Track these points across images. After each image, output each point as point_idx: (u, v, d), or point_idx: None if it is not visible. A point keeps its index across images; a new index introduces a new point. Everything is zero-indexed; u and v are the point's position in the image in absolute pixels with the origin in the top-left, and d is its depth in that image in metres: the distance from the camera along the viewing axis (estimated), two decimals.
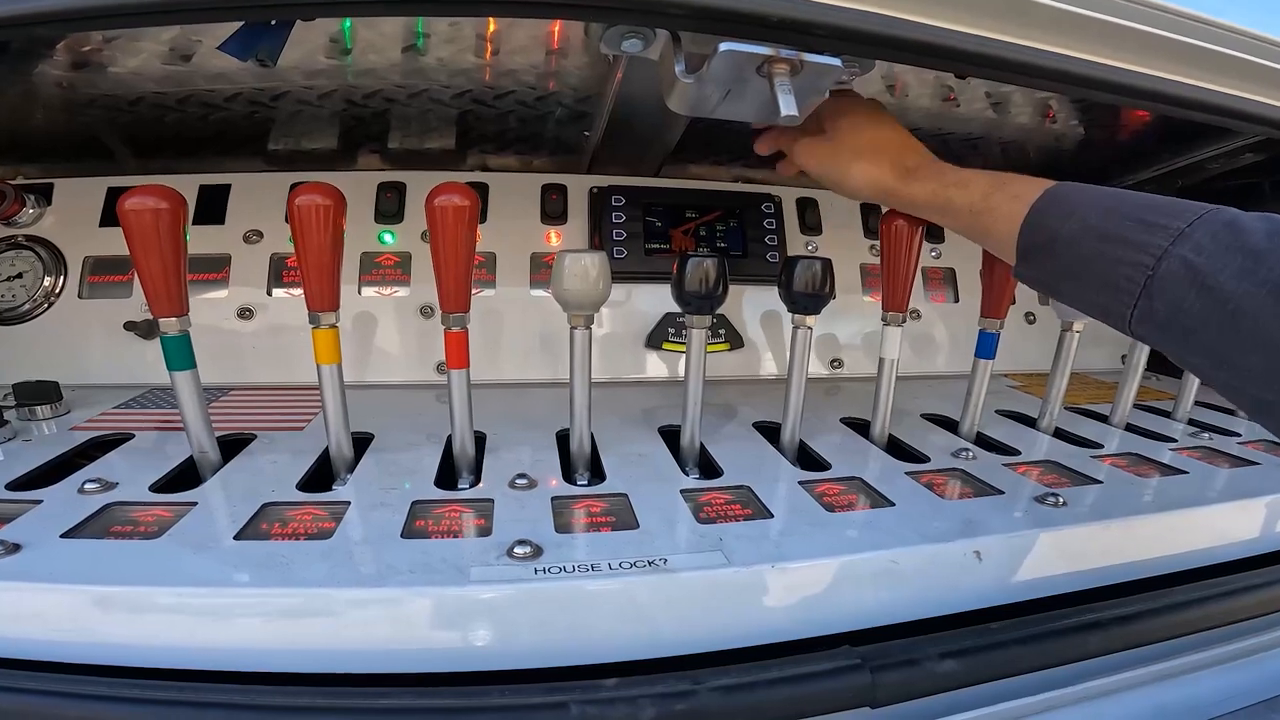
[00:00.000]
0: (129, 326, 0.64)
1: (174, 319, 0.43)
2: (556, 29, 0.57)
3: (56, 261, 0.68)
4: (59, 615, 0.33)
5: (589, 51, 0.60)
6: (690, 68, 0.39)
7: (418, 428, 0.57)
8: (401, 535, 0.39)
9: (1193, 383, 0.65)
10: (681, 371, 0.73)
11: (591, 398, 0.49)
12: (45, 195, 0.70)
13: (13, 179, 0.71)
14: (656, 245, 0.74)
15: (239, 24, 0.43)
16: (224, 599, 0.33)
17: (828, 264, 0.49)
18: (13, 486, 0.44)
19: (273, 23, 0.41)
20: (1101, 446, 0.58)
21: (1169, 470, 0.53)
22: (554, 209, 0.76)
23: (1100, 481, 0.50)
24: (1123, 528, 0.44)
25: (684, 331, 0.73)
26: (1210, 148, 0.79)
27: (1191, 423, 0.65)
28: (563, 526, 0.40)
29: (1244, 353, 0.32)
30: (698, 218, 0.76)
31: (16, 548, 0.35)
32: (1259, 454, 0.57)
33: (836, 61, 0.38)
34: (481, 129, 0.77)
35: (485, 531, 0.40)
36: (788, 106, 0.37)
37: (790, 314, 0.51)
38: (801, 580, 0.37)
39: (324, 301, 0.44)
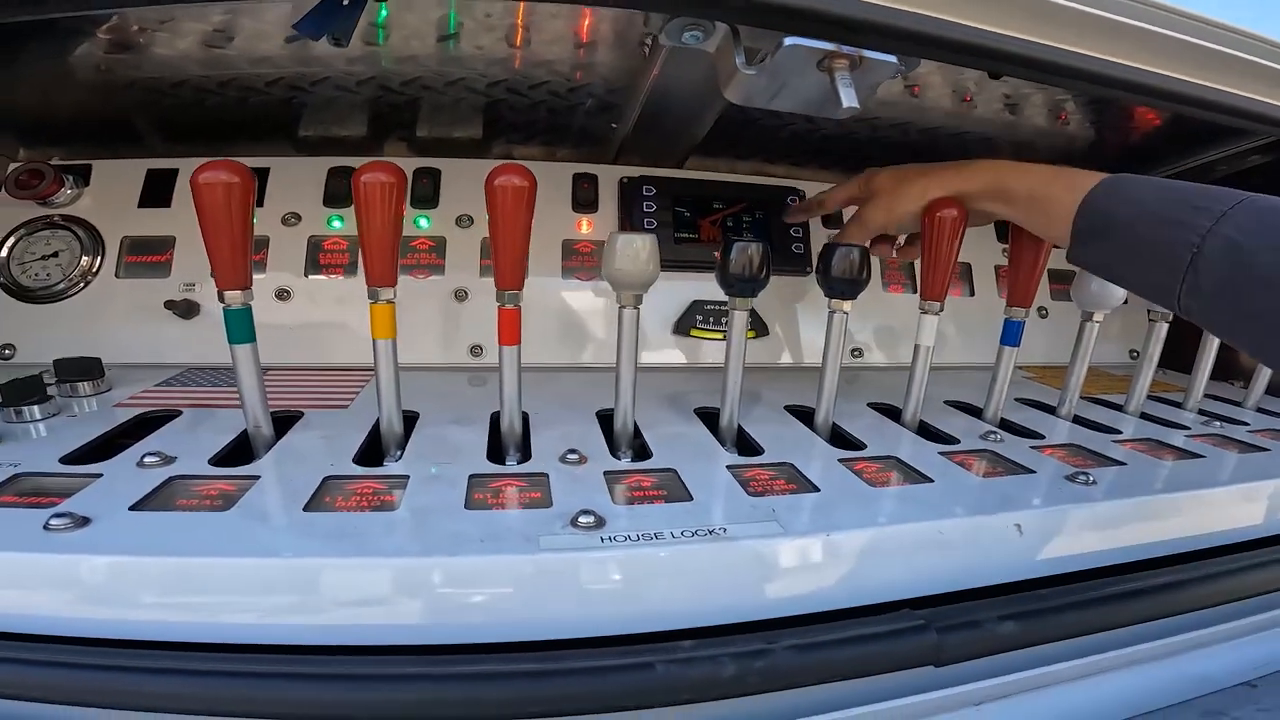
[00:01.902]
0: (169, 305, 0.65)
1: (239, 291, 0.44)
2: (591, 20, 0.58)
3: (94, 241, 0.68)
4: (139, 588, 0.33)
5: (623, 44, 0.61)
6: (750, 60, 0.41)
7: (458, 407, 0.58)
8: (465, 507, 0.40)
9: (1203, 375, 0.68)
10: (709, 357, 0.76)
11: (636, 376, 0.50)
12: (83, 176, 0.70)
13: (48, 160, 0.71)
14: (685, 235, 0.75)
15: (308, 4, 0.44)
16: (303, 570, 0.34)
17: (865, 251, 0.51)
18: (67, 460, 0.45)
19: (345, 1, 0.41)
20: (1120, 432, 0.60)
21: (1186, 454, 0.55)
22: (585, 197, 0.77)
23: (1124, 463, 0.52)
24: (1150, 505, 0.46)
25: (712, 319, 0.76)
26: (1218, 150, 0.82)
27: (1202, 412, 0.68)
28: (619, 498, 0.42)
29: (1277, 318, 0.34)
30: (724, 208, 0.77)
31: (86, 520, 0.36)
32: (1268, 440, 0.60)
33: (893, 59, 0.40)
34: (510, 118, 0.78)
35: (545, 503, 0.41)
36: (849, 99, 0.39)
37: (828, 298, 0.53)
38: (854, 548, 0.39)
39: (384, 277, 0.45)
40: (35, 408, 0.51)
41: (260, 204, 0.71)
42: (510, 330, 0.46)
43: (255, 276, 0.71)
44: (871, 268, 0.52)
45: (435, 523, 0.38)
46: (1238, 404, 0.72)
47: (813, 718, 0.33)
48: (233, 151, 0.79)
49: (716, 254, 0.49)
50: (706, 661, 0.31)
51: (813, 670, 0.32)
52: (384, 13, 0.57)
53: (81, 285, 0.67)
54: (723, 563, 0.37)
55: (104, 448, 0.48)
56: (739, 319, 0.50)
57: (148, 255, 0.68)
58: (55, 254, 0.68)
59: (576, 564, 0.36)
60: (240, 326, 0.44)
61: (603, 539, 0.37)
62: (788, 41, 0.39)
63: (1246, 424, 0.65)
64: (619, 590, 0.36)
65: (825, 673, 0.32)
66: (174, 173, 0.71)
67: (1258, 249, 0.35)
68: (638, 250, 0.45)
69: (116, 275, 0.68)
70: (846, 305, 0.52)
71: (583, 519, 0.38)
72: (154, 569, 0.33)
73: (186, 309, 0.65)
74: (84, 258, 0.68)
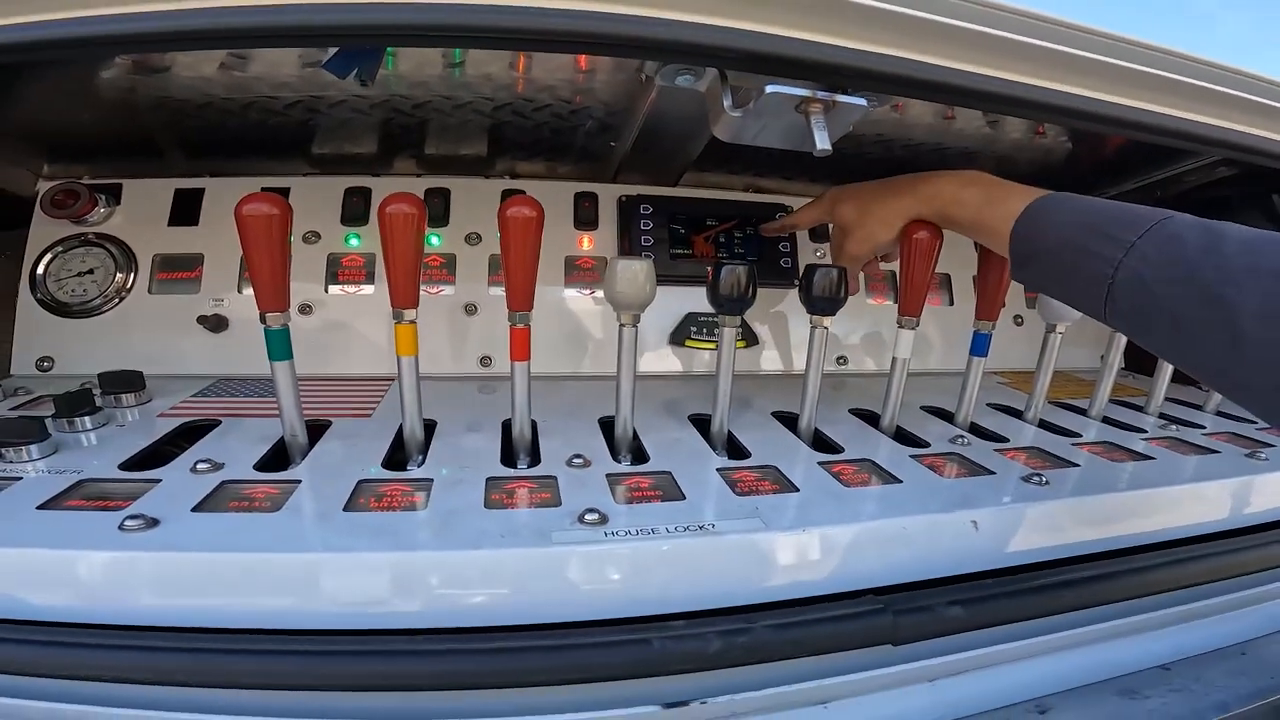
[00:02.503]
0: (200, 321, 0.70)
1: (279, 313, 0.48)
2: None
3: (127, 258, 0.73)
4: (210, 581, 0.38)
5: (621, 71, 0.66)
6: (736, 103, 0.45)
7: (472, 415, 0.63)
8: (484, 506, 0.45)
9: (1163, 380, 0.73)
10: (703, 366, 0.81)
11: (635, 387, 0.55)
12: (115, 195, 0.74)
13: (79, 179, 0.76)
14: (680, 250, 0.80)
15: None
16: (351, 563, 0.39)
17: (843, 272, 0.55)
18: (125, 467, 0.50)
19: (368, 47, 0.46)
20: (1080, 435, 0.65)
21: (1140, 456, 0.60)
22: (586, 215, 0.82)
23: (1078, 465, 0.57)
24: (1096, 503, 0.51)
25: (705, 330, 0.80)
26: (1187, 162, 0.86)
27: (1162, 416, 0.73)
28: (620, 498, 0.47)
29: (1187, 342, 0.39)
30: (717, 225, 0.82)
31: (155, 522, 0.40)
32: (1220, 443, 0.65)
33: (863, 102, 0.45)
34: (514, 137, 0.83)
35: (555, 503, 0.46)
36: (822, 141, 0.43)
37: (809, 315, 0.58)
38: (828, 542, 0.44)
39: (407, 299, 0.50)
40: (87, 419, 0.56)
41: None
42: (521, 347, 0.51)
43: None
44: (848, 287, 0.57)
45: (460, 520, 0.43)
46: (1199, 407, 0.77)
47: (786, 687, 0.39)
48: (251, 168, 0.84)
49: (709, 269, 0.54)
50: (695, 638, 0.37)
51: (786, 646, 0.38)
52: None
53: (117, 300, 0.72)
54: (711, 555, 0.43)
55: (154, 455, 0.53)
56: (728, 335, 0.55)
57: (178, 272, 0.73)
58: (91, 270, 0.72)
59: (584, 556, 0.41)
60: (280, 345, 0.49)
61: (606, 534, 0.42)
62: (769, 89, 0.43)
63: (1203, 427, 0.70)
64: (621, 578, 0.41)
65: (797, 649, 0.38)
66: (200, 192, 0.76)
67: (1158, 281, 0.39)
68: (636, 274, 0.50)
69: (149, 291, 0.72)
70: (826, 321, 0.57)
71: (588, 516, 0.43)
72: (222, 564, 0.39)
73: (216, 323, 0.70)
74: (118, 274, 0.72)
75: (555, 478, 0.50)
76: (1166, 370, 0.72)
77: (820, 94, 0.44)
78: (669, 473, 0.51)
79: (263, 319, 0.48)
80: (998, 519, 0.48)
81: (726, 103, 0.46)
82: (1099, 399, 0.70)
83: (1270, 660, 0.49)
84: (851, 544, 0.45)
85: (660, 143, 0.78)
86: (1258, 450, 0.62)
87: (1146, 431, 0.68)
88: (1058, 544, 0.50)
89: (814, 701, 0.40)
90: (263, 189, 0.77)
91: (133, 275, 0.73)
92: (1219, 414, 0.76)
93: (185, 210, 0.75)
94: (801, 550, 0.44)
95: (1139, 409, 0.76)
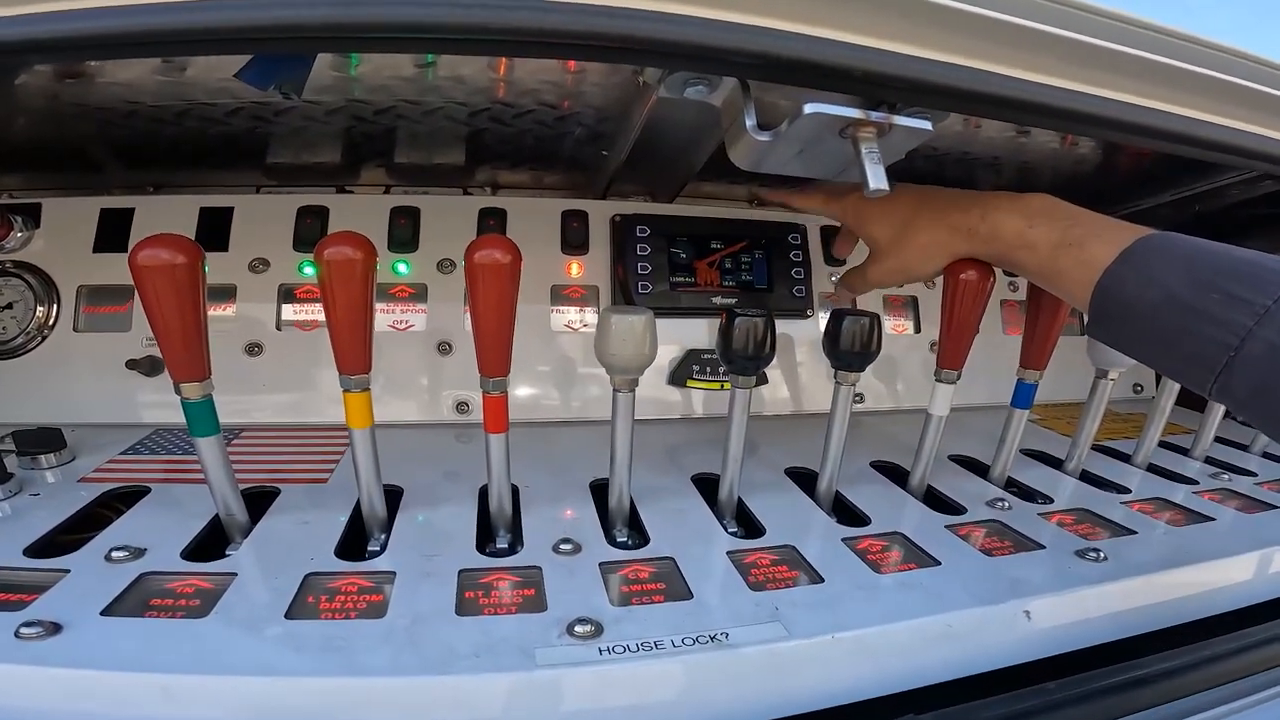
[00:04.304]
0: (131, 365, 0.61)
1: (196, 383, 0.40)
2: None
3: (48, 290, 0.64)
4: (118, 705, 0.32)
5: (616, 72, 0.57)
6: (764, 124, 0.37)
7: (445, 476, 0.55)
8: (456, 612, 0.38)
9: (1212, 422, 0.66)
10: (706, 407, 0.73)
11: (632, 458, 0.48)
12: (33, 216, 0.65)
13: (9, 193, 0.66)
14: (681, 279, 0.72)
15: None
16: (292, 689, 0.32)
17: (875, 320, 0.48)
18: (31, 552, 0.42)
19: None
20: (1128, 490, 0.59)
21: (1198, 516, 0.54)
22: (575, 238, 0.73)
23: (1134, 532, 0.50)
24: (1160, 581, 0.45)
25: (710, 370, 0.73)
26: (1231, 174, 0.79)
27: (1209, 461, 0.67)
28: (616, 599, 0.40)
29: None
30: (723, 248, 0.74)
31: (57, 628, 0.34)
32: (1275, 494, 0.59)
33: (927, 125, 0.36)
34: (494, 146, 0.74)
35: (539, 605, 0.39)
36: (877, 180, 0.35)
37: (834, 369, 0.50)
38: (860, 647, 0.38)
39: (357, 363, 0.42)
40: None
41: (225, 248, 0.66)
42: (496, 418, 0.44)
43: (223, 329, 0.69)
44: (882, 337, 0.49)
45: (426, 632, 0.36)
46: (1244, 447, 0.71)
47: None
48: (197, 180, 0.75)
49: (714, 300, 0.46)
50: None
51: None
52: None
53: (39, 339, 0.63)
54: (725, 672, 0.36)
55: (73, 528, 0.45)
56: (740, 397, 0.47)
57: (107, 306, 0.64)
58: (9, 305, 0.63)
59: (575, 681, 0.34)
60: (202, 420, 0.41)
61: (600, 650, 0.35)
62: (809, 108, 0.35)
63: (1254, 474, 0.64)
64: (619, 704, 0.35)
65: None
66: (130, 212, 0.67)
67: None
68: (634, 331, 0.42)
69: (75, 329, 0.63)
70: (854, 377, 0.49)
71: (579, 628, 0.36)
72: (132, 686, 0.32)
73: (150, 366, 0.62)
74: (39, 308, 0.63)
75: (540, 568, 0.42)
76: (1217, 412, 0.66)
77: (875, 115, 0.35)
78: (672, 559, 0.44)
79: (177, 390, 0.40)
80: (1053, 608, 0.42)
81: (749, 123, 0.37)
82: (1145, 446, 0.64)
83: None
84: (887, 647, 0.39)
85: (658, 153, 0.69)
86: None
87: (1198, 483, 0.61)
88: (1120, 626, 0.43)
89: None
90: (202, 210, 0.70)
91: (55, 309, 0.64)
92: (1266, 455, 0.70)
93: (112, 233, 0.65)
94: (830, 657, 0.38)
95: (1183, 451, 0.69)
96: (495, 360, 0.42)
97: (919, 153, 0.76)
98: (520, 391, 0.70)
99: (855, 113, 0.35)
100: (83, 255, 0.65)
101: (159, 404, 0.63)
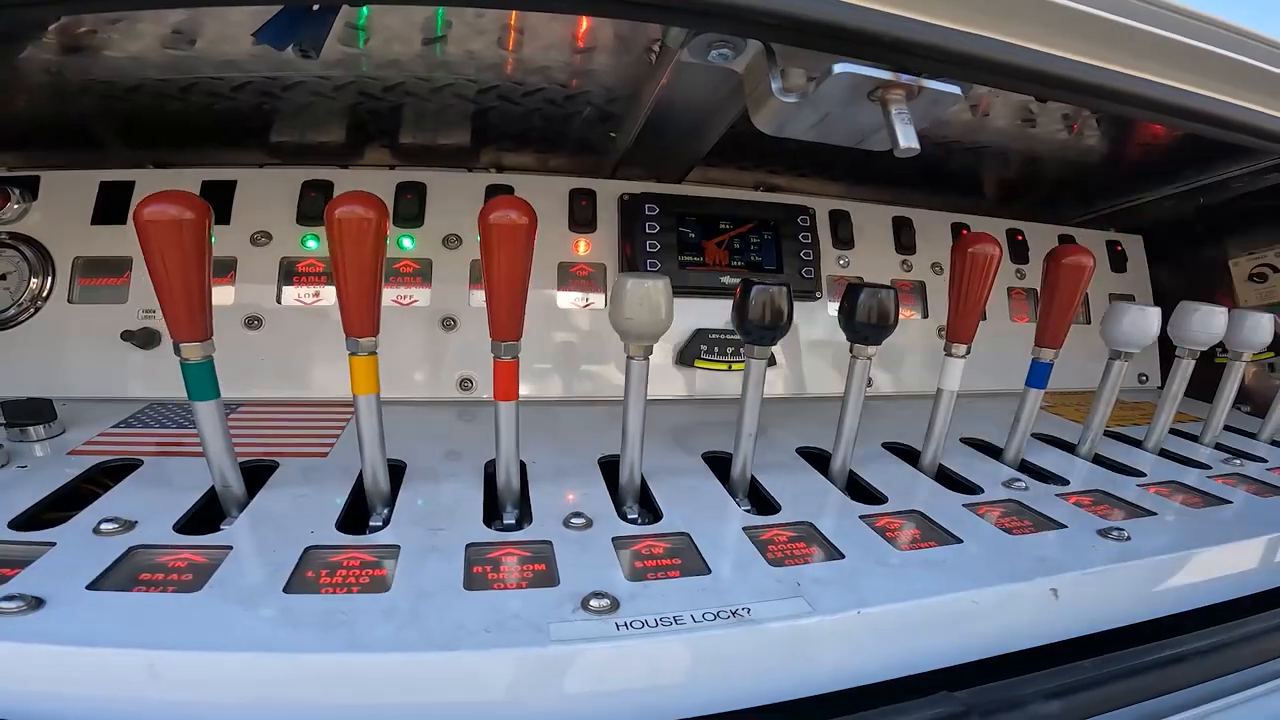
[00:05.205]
0: (126, 336, 0.59)
1: (197, 344, 0.39)
2: (590, 23, 0.53)
3: (43, 262, 0.62)
4: (99, 685, 0.30)
5: (627, 50, 0.57)
6: (789, 86, 0.36)
7: (449, 453, 0.54)
8: (464, 587, 0.36)
9: (1223, 409, 0.66)
10: (714, 388, 0.72)
11: (644, 429, 0.46)
12: (31, 189, 0.64)
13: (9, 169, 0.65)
14: (690, 258, 0.71)
15: (274, 9, 0.39)
16: (291, 666, 0.30)
17: (894, 293, 0.47)
18: (16, 525, 0.40)
19: (315, 7, 0.36)
20: (1143, 474, 0.58)
21: (1215, 500, 0.53)
22: (583, 216, 0.72)
23: (1155, 513, 0.50)
24: (1187, 560, 0.44)
25: (718, 350, 0.72)
26: (1234, 167, 0.79)
27: (1219, 447, 0.66)
28: (630, 574, 0.38)
29: None
30: (732, 229, 0.73)
31: (39, 602, 0.32)
32: None
33: (956, 89, 0.36)
34: (501, 125, 0.73)
35: (550, 580, 0.37)
36: (907, 138, 0.34)
37: (850, 343, 0.49)
38: (886, 624, 0.37)
39: (365, 325, 0.41)
40: None
41: (226, 222, 0.65)
42: (507, 385, 0.42)
43: (223, 302, 0.67)
44: (900, 309, 0.48)
45: (433, 608, 0.34)
46: (1252, 435, 0.71)
47: None
48: (199, 159, 0.73)
49: (723, 279, 0.45)
50: None
51: None
52: (364, 13, 0.51)
53: (32, 311, 0.61)
54: (748, 647, 0.35)
55: (60, 503, 0.43)
56: (756, 368, 0.46)
57: (103, 278, 0.62)
58: (3, 276, 0.61)
59: (591, 656, 0.32)
60: (201, 382, 0.39)
61: (618, 625, 0.34)
62: (838, 68, 0.34)
63: (1264, 460, 0.63)
64: (638, 681, 0.33)
65: None
66: (130, 185, 0.65)
67: None
68: (651, 297, 0.41)
69: (69, 300, 0.62)
70: (870, 350, 0.48)
71: (594, 602, 0.35)
72: (116, 663, 0.30)
73: (146, 338, 0.60)
74: (33, 280, 0.61)
75: (550, 543, 0.41)
76: (1228, 398, 0.65)
77: (905, 78, 0.35)
78: (687, 534, 0.43)
79: (177, 350, 0.38)
80: (1082, 586, 0.41)
81: (774, 85, 0.36)
82: (1157, 431, 0.63)
83: None
84: (914, 624, 0.38)
85: (668, 134, 0.69)
86: None
87: (1210, 468, 0.61)
88: (1149, 605, 0.42)
89: None
90: (204, 183, 0.69)
91: (50, 280, 0.62)
92: (1274, 443, 0.69)
93: (112, 206, 0.64)
94: (855, 634, 0.36)
95: (1193, 438, 0.69)
96: (508, 324, 0.41)
97: (928, 140, 0.77)
98: (526, 369, 0.69)
99: (886, 74, 0.35)
100: (80, 227, 0.63)
101: (153, 377, 0.61)
